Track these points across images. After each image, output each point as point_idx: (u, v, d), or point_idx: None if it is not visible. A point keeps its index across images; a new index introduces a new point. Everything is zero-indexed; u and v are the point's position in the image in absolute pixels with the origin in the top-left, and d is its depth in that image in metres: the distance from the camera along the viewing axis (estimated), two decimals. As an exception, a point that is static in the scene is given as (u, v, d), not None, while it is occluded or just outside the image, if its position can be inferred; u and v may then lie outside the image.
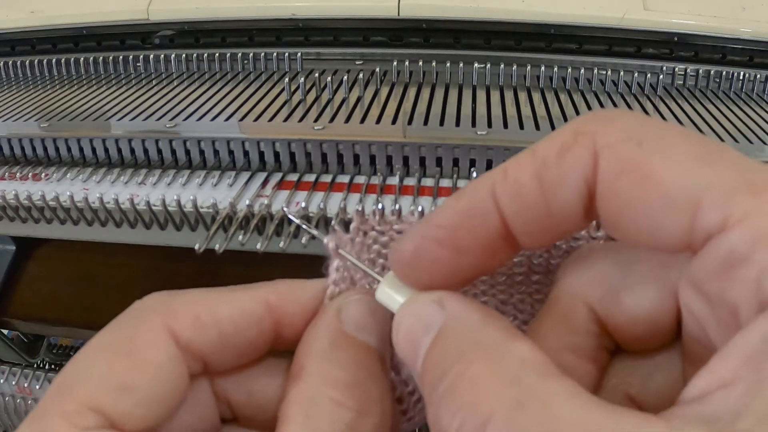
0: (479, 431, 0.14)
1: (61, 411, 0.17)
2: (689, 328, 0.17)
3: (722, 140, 0.41)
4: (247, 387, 0.21)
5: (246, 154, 0.43)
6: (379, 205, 0.22)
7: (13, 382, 0.58)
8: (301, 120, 0.44)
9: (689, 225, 0.14)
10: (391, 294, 0.19)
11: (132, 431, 0.18)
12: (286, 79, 0.49)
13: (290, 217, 0.23)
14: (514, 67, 0.52)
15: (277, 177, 0.41)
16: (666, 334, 0.17)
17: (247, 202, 0.37)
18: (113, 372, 0.18)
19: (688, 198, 0.14)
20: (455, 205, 0.18)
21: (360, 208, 0.36)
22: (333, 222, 0.22)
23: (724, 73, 0.52)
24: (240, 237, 0.36)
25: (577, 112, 0.46)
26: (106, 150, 0.45)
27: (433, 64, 0.54)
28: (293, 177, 0.41)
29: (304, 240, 0.36)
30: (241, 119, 0.45)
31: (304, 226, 0.24)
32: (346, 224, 0.22)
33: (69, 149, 0.45)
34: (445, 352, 0.16)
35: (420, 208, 0.23)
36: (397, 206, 0.23)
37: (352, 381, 0.19)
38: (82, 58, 0.59)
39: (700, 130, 0.43)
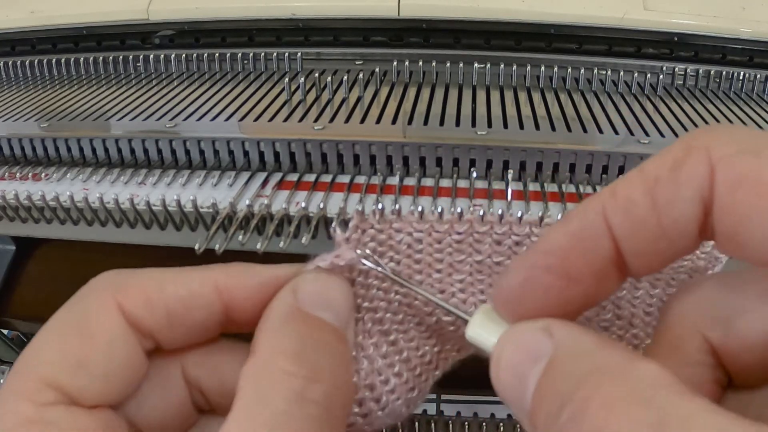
0: None
1: (20, 389, 0.18)
2: None
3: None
4: (217, 374, 0.21)
5: (246, 154, 0.43)
6: (379, 205, 0.22)
7: (13, 382, 0.58)
8: (301, 120, 0.44)
9: None
10: (482, 332, 0.19)
11: (91, 405, 0.18)
12: (286, 79, 0.49)
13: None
14: (514, 67, 0.52)
15: (277, 177, 0.41)
16: None
17: (247, 202, 0.37)
18: (67, 349, 0.18)
19: None
20: (565, 228, 0.17)
21: (360, 208, 0.36)
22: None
23: (724, 73, 0.52)
24: (240, 237, 0.36)
25: (577, 113, 0.46)
26: (106, 150, 0.45)
27: (433, 64, 0.54)
28: (293, 177, 0.41)
29: (304, 240, 0.36)
30: (241, 119, 0.45)
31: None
32: (345, 223, 0.22)
33: (69, 149, 0.45)
34: (564, 379, 0.15)
35: (420, 208, 0.23)
36: (397, 206, 0.23)
37: (301, 350, 0.19)
38: (82, 58, 0.58)
39: (700, 130, 0.43)
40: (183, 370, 0.21)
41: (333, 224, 0.23)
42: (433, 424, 0.49)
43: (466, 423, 0.50)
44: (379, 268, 0.21)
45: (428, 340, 0.23)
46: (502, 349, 0.17)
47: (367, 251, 0.22)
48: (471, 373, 0.24)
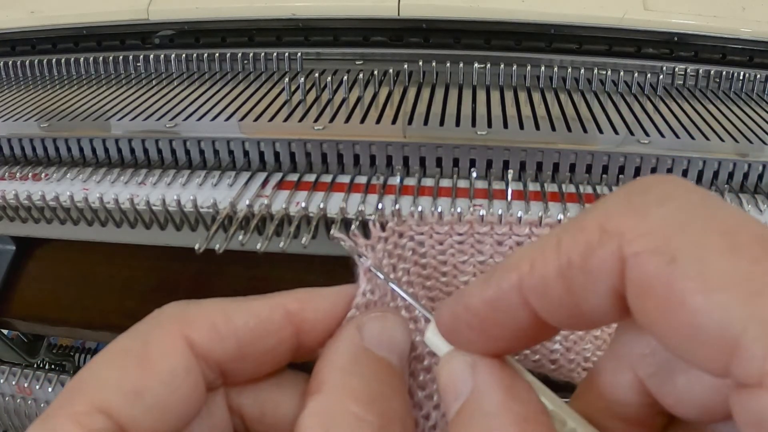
0: None
1: (70, 412, 0.17)
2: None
3: (722, 140, 0.41)
4: (260, 402, 0.21)
5: (246, 154, 0.43)
6: (396, 206, 0.22)
7: (13, 382, 0.58)
8: (301, 120, 0.44)
9: (724, 362, 0.13)
10: (437, 340, 0.19)
11: None
12: (286, 79, 0.49)
13: (338, 237, 0.21)
14: (514, 67, 0.52)
15: (277, 177, 0.41)
16: (722, 414, 0.16)
17: (247, 202, 0.37)
18: (125, 376, 0.18)
19: (723, 335, 0.12)
20: (483, 293, 0.17)
21: (360, 208, 0.36)
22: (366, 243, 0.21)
23: (724, 73, 0.52)
24: (240, 237, 0.36)
25: (577, 113, 0.46)
26: (106, 150, 0.45)
27: (433, 64, 0.54)
28: (293, 177, 0.41)
29: (304, 240, 0.36)
30: (241, 119, 0.45)
31: (348, 247, 0.23)
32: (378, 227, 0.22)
33: (69, 149, 0.45)
34: None
35: (439, 209, 0.22)
36: (397, 206, 0.23)
37: (374, 395, 0.18)
38: (82, 58, 0.58)
39: (700, 130, 0.43)
40: (227, 398, 0.21)
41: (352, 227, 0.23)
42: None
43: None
44: (384, 279, 0.21)
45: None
46: (440, 372, 0.19)
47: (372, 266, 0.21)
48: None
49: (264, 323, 0.20)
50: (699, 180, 0.40)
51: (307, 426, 0.18)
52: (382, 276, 0.21)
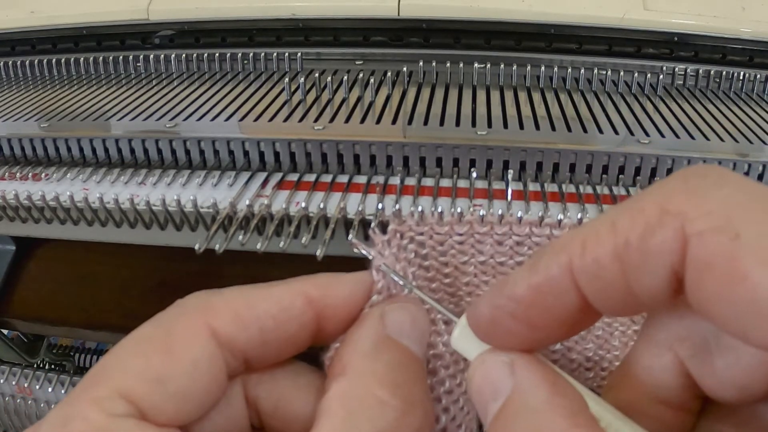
0: None
1: (92, 396, 0.17)
2: None
3: (722, 140, 0.41)
4: (275, 394, 0.21)
5: (246, 154, 0.43)
6: (396, 206, 0.22)
7: (13, 382, 0.58)
8: (301, 120, 0.44)
9: None
10: (464, 343, 0.19)
11: (162, 424, 0.18)
12: (286, 79, 0.49)
13: (355, 243, 0.21)
14: (514, 67, 0.52)
15: (277, 177, 0.41)
16: (761, 395, 0.16)
17: (247, 202, 0.37)
18: (148, 363, 0.18)
19: None
20: (529, 280, 0.17)
21: (360, 208, 0.36)
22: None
23: (724, 73, 0.52)
24: (240, 237, 0.36)
25: (577, 113, 0.46)
26: (106, 150, 0.45)
27: (433, 64, 0.54)
28: (293, 177, 0.41)
29: (304, 240, 0.36)
30: (241, 119, 0.45)
31: (363, 251, 0.23)
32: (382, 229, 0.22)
33: (69, 149, 0.45)
34: None
35: (440, 209, 0.22)
36: (397, 206, 0.23)
37: (397, 381, 0.18)
38: (82, 58, 0.58)
39: (700, 130, 0.43)
40: (244, 389, 0.21)
41: (372, 225, 0.22)
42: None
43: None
44: (401, 282, 0.21)
45: (457, 364, 0.22)
46: (473, 374, 0.18)
47: (396, 267, 0.21)
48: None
49: (286, 310, 0.20)
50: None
51: (331, 407, 0.18)
52: (401, 281, 0.21)
